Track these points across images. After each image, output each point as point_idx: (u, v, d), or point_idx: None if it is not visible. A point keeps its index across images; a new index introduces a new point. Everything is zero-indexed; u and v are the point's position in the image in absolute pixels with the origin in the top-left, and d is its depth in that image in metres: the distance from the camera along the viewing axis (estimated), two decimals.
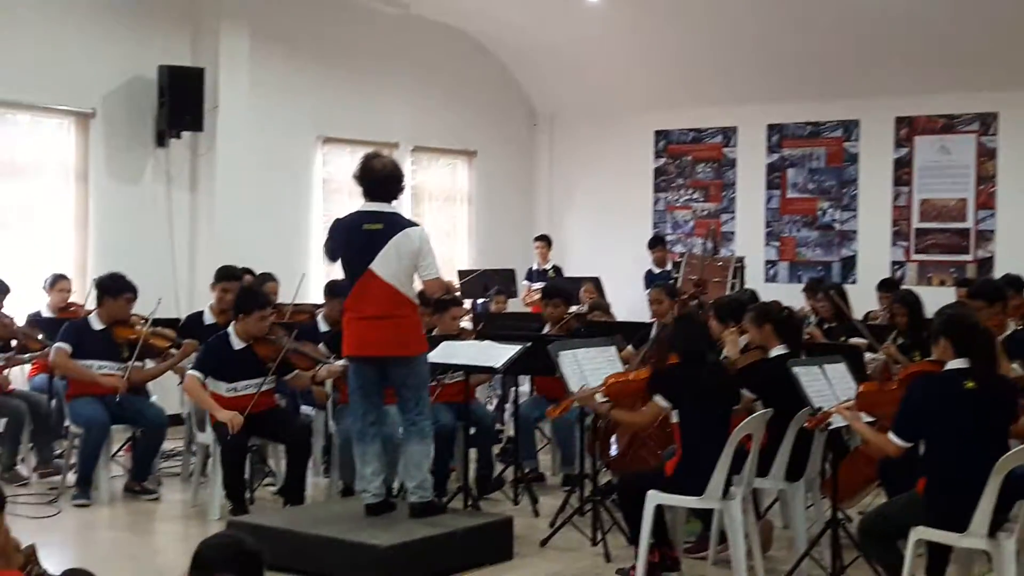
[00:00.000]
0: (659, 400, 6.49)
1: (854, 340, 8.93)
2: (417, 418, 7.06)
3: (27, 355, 9.17)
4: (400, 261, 6.85)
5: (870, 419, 6.09)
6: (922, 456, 5.64)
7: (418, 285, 7.17)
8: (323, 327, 8.97)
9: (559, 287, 10.09)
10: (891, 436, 5.62)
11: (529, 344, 7.72)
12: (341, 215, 7.31)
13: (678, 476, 6.35)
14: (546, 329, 9.36)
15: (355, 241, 6.93)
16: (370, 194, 7.00)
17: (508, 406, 9.97)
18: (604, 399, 6.79)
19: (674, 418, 6.47)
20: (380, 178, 6.98)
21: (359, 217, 7.02)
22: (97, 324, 8.53)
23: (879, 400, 6.11)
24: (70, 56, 11.04)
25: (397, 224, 6.92)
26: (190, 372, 8.01)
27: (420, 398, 7.07)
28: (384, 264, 6.84)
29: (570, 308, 9.60)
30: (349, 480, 8.20)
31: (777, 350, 6.99)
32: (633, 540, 6.62)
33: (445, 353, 7.77)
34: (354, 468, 7.83)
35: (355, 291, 6.94)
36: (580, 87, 15.60)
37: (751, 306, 7.62)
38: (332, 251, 7.12)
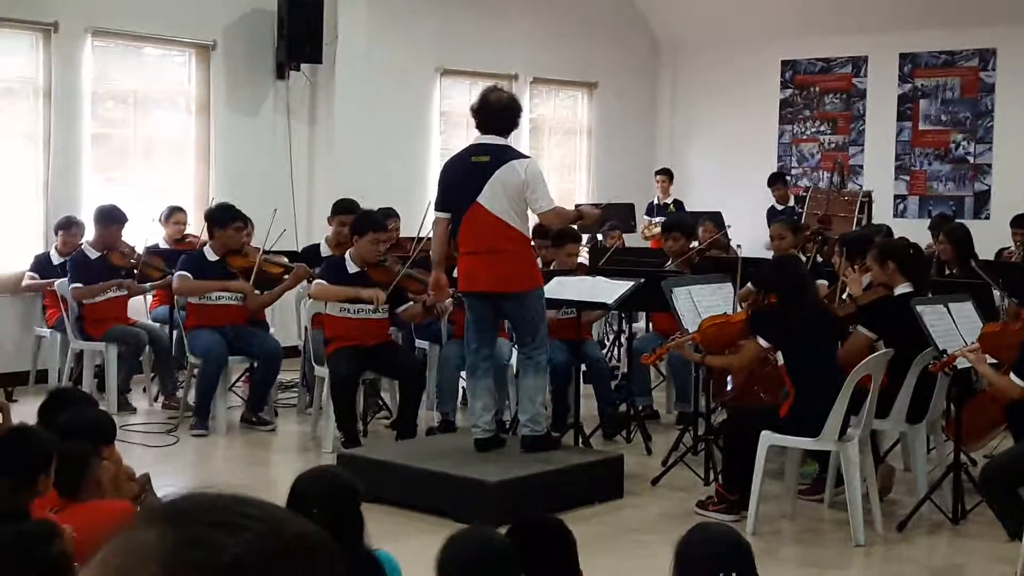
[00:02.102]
0: (759, 341, 6.34)
1: None
2: (533, 352, 7.00)
3: (147, 284, 9.31)
4: (507, 194, 6.77)
5: (993, 361, 5.87)
6: None
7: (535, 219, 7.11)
8: None
9: (678, 220, 9.91)
10: (1012, 377, 5.43)
11: (642, 280, 7.59)
12: (455, 152, 7.27)
13: (792, 418, 6.21)
14: (668, 264, 9.20)
15: (463, 174, 6.89)
16: (483, 127, 6.96)
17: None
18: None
19: (779, 360, 6.32)
20: (493, 111, 6.92)
21: (469, 150, 7.02)
22: (212, 255, 8.62)
23: (1002, 341, 5.91)
24: None
25: (504, 156, 6.85)
26: (317, 282, 8.08)
27: (536, 332, 6.99)
28: (491, 197, 6.77)
29: (691, 242, 9.43)
30: (449, 414, 8.23)
31: (901, 288, 6.77)
32: (730, 475, 6.51)
33: (556, 289, 7.66)
34: (453, 401, 7.91)
35: (464, 225, 6.88)
36: (704, 15, 15.25)
37: (875, 243, 7.41)
38: (441, 196, 7.08)
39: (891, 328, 6.61)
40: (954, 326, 6.26)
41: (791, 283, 6.46)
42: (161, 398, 9.25)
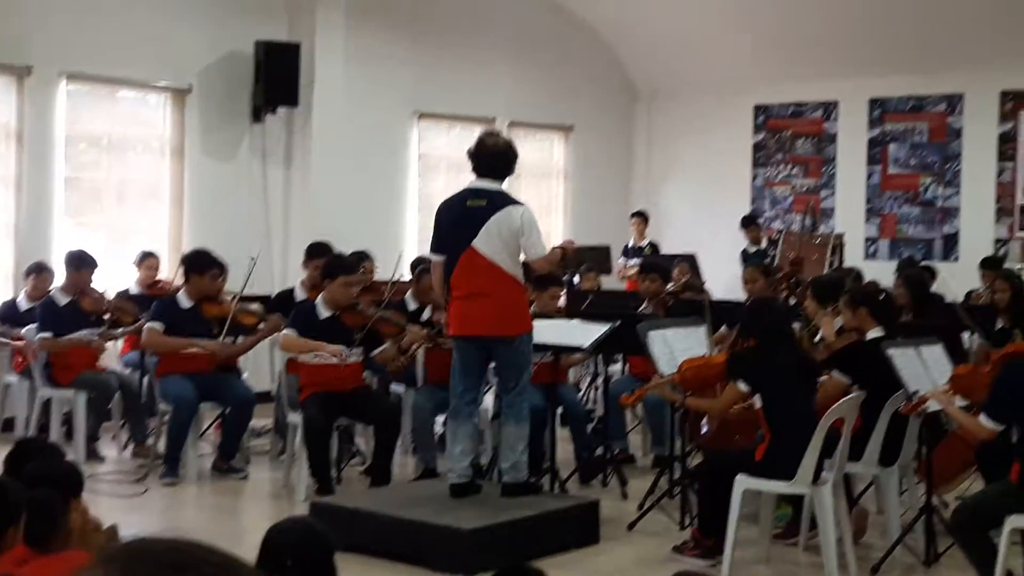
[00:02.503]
0: (740, 385, 6.36)
1: None
2: (516, 399, 7.00)
3: (120, 329, 9.25)
4: (501, 238, 6.80)
5: (964, 403, 5.91)
6: (1016, 441, 5.45)
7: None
8: (411, 305, 8.93)
9: (657, 262, 9.98)
10: (982, 419, 5.46)
11: (618, 323, 7.60)
12: (446, 197, 7.30)
13: (767, 461, 6.22)
14: (643, 306, 9.23)
15: (459, 218, 6.91)
16: (479, 171, 7.00)
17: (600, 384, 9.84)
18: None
19: (757, 403, 6.33)
20: (490, 155, 6.97)
21: (465, 194, 7.03)
22: (186, 302, 8.56)
23: (973, 383, 5.94)
24: (167, 32, 11.12)
25: (501, 202, 6.89)
26: (285, 331, 8.02)
27: (520, 377, 7.00)
28: (485, 241, 6.80)
29: (667, 284, 9.47)
30: (430, 462, 8.20)
31: (873, 333, 6.81)
32: (705, 520, 6.50)
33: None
34: (432, 449, 7.95)
35: (458, 269, 6.89)
36: (679, 61, 15.37)
37: (847, 288, 7.45)
38: (436, 238, 7.07)
39: (864, 373, 6.63)
40: (924, 369, 6.29)
41: (771, 326, 6.48)
42: (131, 446, 9.14)
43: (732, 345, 6.81)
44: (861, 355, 6.72)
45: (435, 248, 7.10)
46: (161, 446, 8.50)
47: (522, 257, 6.99)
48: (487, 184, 6.93)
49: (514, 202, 6.97)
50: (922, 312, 8.88)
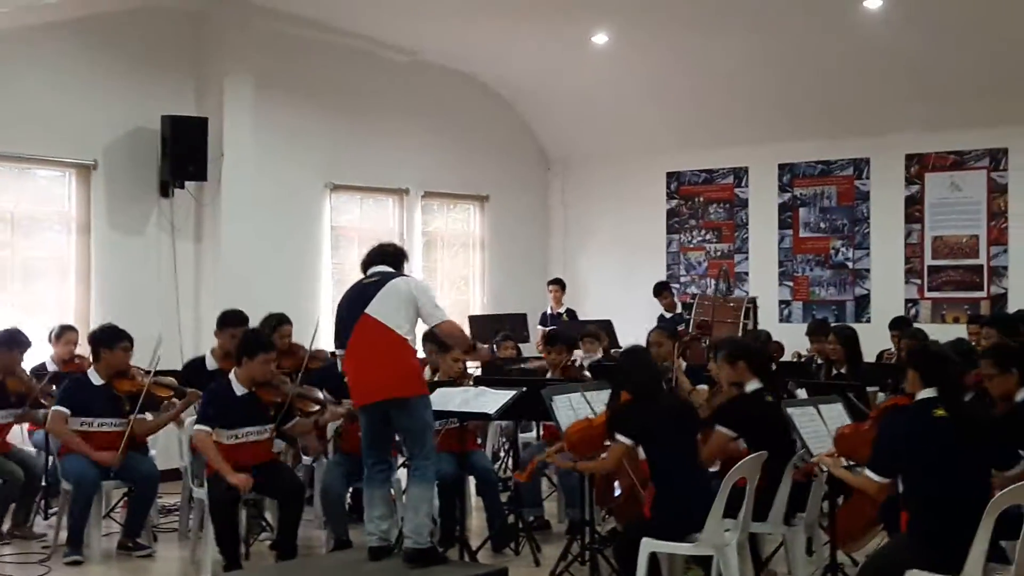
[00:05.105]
0: (621, 438, 6.39)
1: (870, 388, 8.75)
2: (421, 462, 7.02)
3: (40, 412, 8.96)
4: (394, 303, 6.96)
5: (853, 463, 5.97)
6: (902, 491, 5.49)
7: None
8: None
9: (560, 334, 10.01)
10: (868, 473, 5.51)
11: (523, 389, 7.60)
12: (346, 265, 7.43)
13: (656, 514, 6.23)
14: (548, 376, 9.26)
15: (354, 297, 7.15)
16: (372, 262, 7.28)
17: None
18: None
19: (642, 454, 6.37)
20: (383, 252, 7.33)
21: (359, 280, 7.27)
22: (96, 379, 8.39)
23: (856, 442, 6.00)
24: (71, 108, 11.05)
25: (392, 276, 7.15)
26: (197, 428, 7.76)
27: (423, 442, 7.04)
28: (379, 307, 6.97)
29: (573, 354, 9.51)
30: (341, 533, 8.11)
31: (752, 385, 6.90)
32: None
33: (439, 400, 7.62)
34: (342, 522, 8.02)
35: (353, 338, 7.02)
36: (591, 130, 15.56)
37: (724, 344, 7.54)
38: (337, 331, 7.20)
39: (745, 425, 6.70)
40: (825, 427, 6.34)
41: (639, 377, 6.54)
42: (9, 525, 8.81)
43: (610, 402, 6.82)
44: (742, 408, 6.79)
45: (338, 343, 7.24)
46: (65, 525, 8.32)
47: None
48: (381, 268, 7.21)
49: (404, 275, 7.24)
50: (856, 367, 9.18)
